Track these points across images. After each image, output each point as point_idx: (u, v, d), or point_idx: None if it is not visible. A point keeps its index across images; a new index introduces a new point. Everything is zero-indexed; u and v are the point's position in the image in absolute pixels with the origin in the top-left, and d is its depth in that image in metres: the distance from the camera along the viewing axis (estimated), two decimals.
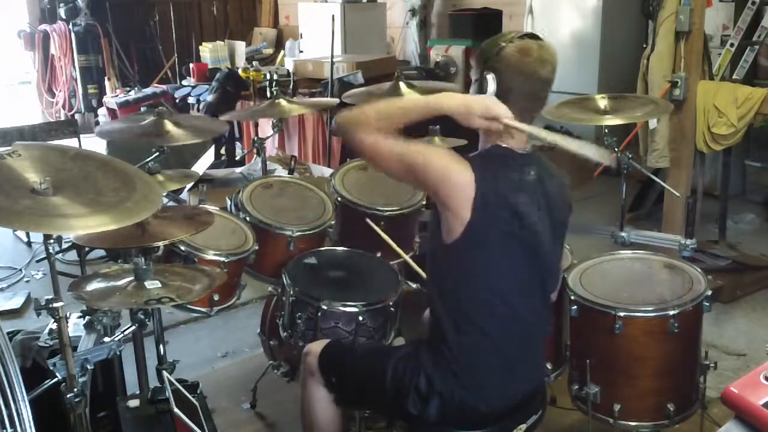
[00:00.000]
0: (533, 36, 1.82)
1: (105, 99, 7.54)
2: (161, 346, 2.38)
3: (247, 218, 2.70)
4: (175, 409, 1.89)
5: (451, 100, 1.75)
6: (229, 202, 2.81)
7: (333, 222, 2.80)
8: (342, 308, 2.29)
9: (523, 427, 1.91)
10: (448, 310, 1.84)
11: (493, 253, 1.78)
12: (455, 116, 1.75)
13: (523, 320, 1.85)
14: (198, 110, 6.44)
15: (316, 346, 2.06)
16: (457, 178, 1.71)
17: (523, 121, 1.77)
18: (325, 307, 2.30)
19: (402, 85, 3.34)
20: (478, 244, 1.75)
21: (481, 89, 1.79)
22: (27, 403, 1.69)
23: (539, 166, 1.85)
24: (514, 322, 1.83)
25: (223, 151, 6.04)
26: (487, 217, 1.72)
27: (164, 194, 3.68)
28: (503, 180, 1.76)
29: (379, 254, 2.68)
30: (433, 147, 1.66)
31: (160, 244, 2.15)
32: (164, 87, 7.19)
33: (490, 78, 1.77)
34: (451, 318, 1.83)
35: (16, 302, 4.05)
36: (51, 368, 2.05)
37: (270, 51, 8.44)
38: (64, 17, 7.76)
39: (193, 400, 2.04)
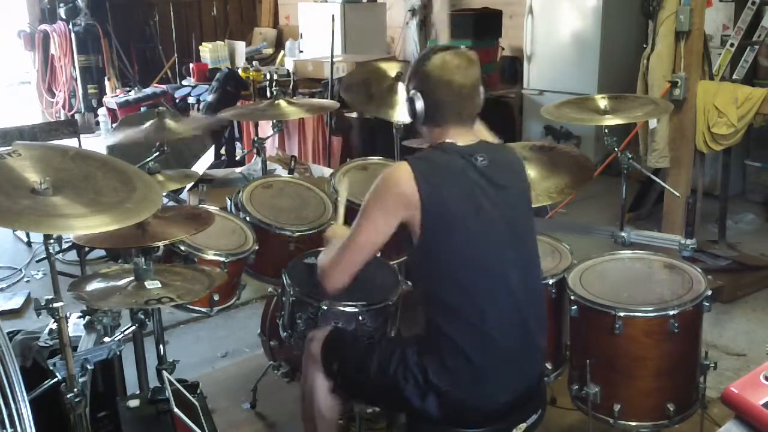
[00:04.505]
0: (451, 47, 1.93)
1: (105, 99, 7.54)
2: (161, 346, 2.38)
3: (247, 218, 2.70)
4: (175, 409, 1.89)
5: (331, 238, 2.20)
6: (229, 202, 2.81)
7: (333, 222, 2.80)
8: (342, 308, 2.28)
9: (523, 426, 1.91)
10: (434, 305, 1.89)
11: (454, 242, 1.83)
12: (339, 238, 2.10)
13: (503, 310, 1.86)
14: (198, 110, 6.44)
15: (320, 333, 2.11)
16: (398, 201, 1.84)
17: (466, 121, 1.92)
18: (325, 307, 2.29)
19: (400, 84, 3.35)
20: (438, 236, 1.83)
21: (412, 107, 1.92)
22: (27, 403, 1.69)
23: (488, 153, 1.91)
24: (495, 314, 1.85)
25: (223, 151, 6.04)
26: (436, 211, 1.82)
27: (164, 194, 3.69)
28: (446, 176, 1.85)
29: (378, 254, 2.68)
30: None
31: (160, 244, 2.15)
32: (164, 87, 7.20)
33: (417, 96, 1.91)
34: (439, 313, 1.87)
35: (16, 302, 4.05)
36: (51, 368, 2.05)
37: (270, 51, 8.45)
38: (64, 17, 7.76)
39: (193, 400, 2.05)
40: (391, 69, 3.18)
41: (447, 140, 1.91)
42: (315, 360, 2.05)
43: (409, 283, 2.55)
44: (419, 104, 1.90)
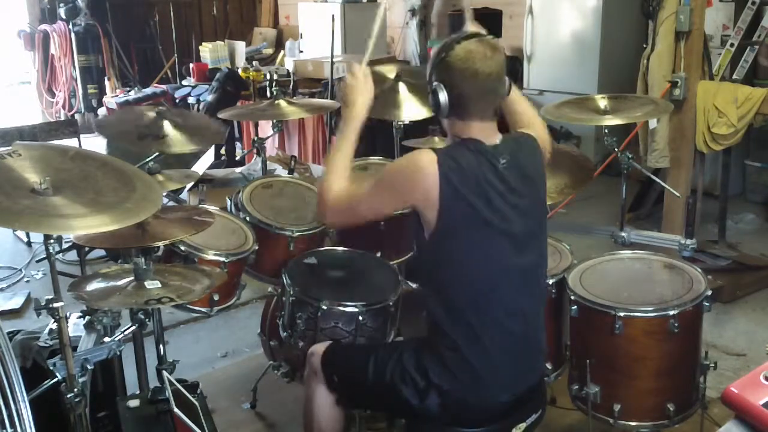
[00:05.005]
0: (474, 35, 1.88)
1: (105, 99, 7.54)
2: (161, 346, 2.38)
3: (247, 218, 2.70)
4: (175, 409, 1.89)
5: (345, 109, 2.05)
6: (229, 202, 2.81)
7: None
8: (342, 308, 2.29)
9: (523, 426, 1.92)
10: (437, 303, 1.88)
11: (465, 242, 1.82)
12: (362, 108, 2.04)
13: (506, 311, 1.86)
14: (198, 110, 6.44)
15: (320, 347, 2.10)
16: (419, 183, 1.81)
17: (486, 114, 1.88)
18: (325, 307, 2.30)
19: (401, 84, 3.34)
20: (451, 234, 1.81)
21: (436, 99, 1.87)
22: (27, 403, 1.68)
23: (512, 152, 1.88)
24: (497, 314, 1.85)
25: (223, 151, 6.03)
26: (454, 210, 1.80)
27: (164, 194, 3.68)
28: (468, 173, 1.81)
29: (379, 254, 2.68)
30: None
31: (160, 244, 2.15)
32: (164, 87, 7.19)
33: (440, 88, 1.86)
34: (441, 311, 1.87)
35: (16, 302, 4.05)
36: (51, 368, 2.05)
37: (270, 51, 8.44)
38: (64, 17, 7.76)
39: (193, 400, 2.04)
40: (389, 71, 3.17)
41: (474, 137, 1.86)
42: (316, 373, 2.05)
43: (410, 283, 2.55)
44: (443, 97, 1.85)
